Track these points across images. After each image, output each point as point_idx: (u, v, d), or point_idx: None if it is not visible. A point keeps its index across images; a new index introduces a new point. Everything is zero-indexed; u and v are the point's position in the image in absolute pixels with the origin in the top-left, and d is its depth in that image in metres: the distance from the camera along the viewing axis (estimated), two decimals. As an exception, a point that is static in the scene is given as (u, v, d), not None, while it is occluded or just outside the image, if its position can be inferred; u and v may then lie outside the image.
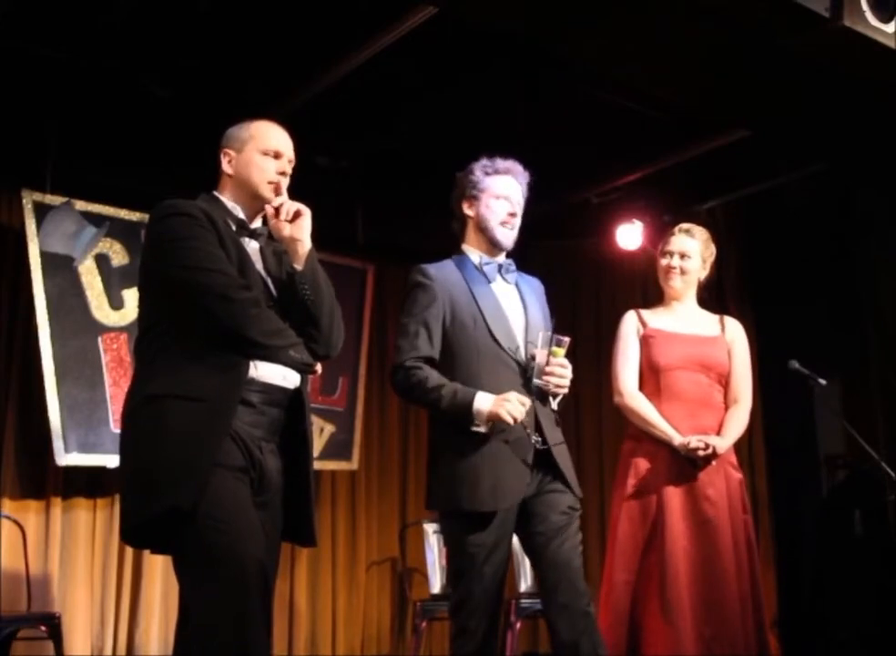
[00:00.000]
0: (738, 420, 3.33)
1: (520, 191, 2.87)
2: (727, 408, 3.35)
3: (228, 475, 2.14)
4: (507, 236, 2.84)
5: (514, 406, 2.56)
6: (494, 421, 2.59)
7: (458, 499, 2.63)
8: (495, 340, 2.71)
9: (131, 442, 2.20)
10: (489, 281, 2.81)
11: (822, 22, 3.13)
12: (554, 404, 2.75)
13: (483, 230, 2.84)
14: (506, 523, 2.65)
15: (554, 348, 2.67)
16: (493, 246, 2.85)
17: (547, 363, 2.66)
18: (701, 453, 3.17)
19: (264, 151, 2.38)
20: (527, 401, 2.60)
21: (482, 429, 2.61)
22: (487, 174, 2.86)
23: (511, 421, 2.55)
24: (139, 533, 2.19)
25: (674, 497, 3.19)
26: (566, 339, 2.70)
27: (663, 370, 3.31)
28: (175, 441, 2.12)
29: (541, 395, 2.71)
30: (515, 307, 2.82)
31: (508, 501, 2.62)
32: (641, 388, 3.34)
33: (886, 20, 3.23)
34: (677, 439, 3.20)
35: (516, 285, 2.87)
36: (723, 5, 3.16)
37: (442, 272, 2.79)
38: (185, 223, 2.24)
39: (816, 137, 4.28)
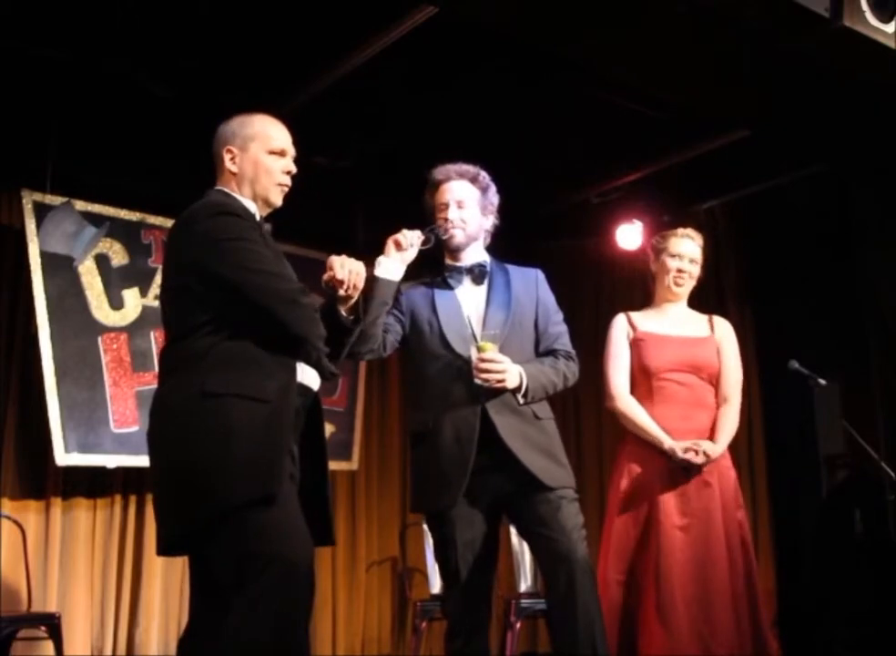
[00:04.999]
0: (730, 421, 3.32)
1: (462, 188, 2.89)
2: (718, 408, 3.34)
3: (285, 478, 2.15)
4: (454, 241, 2.88)
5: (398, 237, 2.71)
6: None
7: (414, 500, 2.83)
8: (448, 343, 2.77)
9: (187, 438, 2.11)
10: (453, 288, 2.88)
11: (822, 22, 3.14)
12: (519, 398, 2.73)
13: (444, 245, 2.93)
14: (474, 523, 2.69)
15: (480, 344, 2.70)
16: (452, 253, 2.92)
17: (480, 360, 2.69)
18: (693, 459, 3.17)
19: (270, 151, 2.37)
20: (416, 236, 2.72)
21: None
22: (428, 190, 2.95)
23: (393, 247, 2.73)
24: (190, 535, 2.11)
25: (668, 497, 3.18)
26: (492, 332, 2.73)
27: (654, 373, 3.30)
28: (246, 438, 2.08)
29: (490, 392, 2.70)
30: (477, 309, 2.84)
31: (446, 502, 2.67)
32: (633, 391, 3.33)
33: (886, 20, 3.23)
34: (667, 443, 3.20)
35: (489, 286, 2.88)
36: (723, 6, 3.16)
37: (413, 290, 2.91)
38: (236, 223, 2.22)
39: (816, 137, 4.28)
